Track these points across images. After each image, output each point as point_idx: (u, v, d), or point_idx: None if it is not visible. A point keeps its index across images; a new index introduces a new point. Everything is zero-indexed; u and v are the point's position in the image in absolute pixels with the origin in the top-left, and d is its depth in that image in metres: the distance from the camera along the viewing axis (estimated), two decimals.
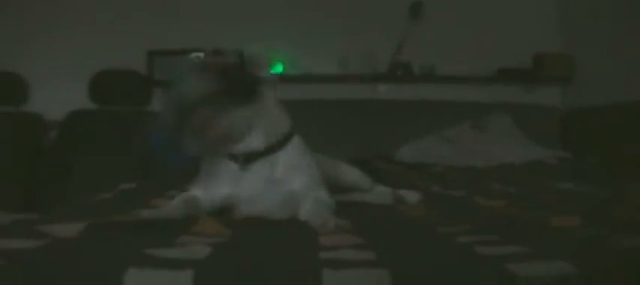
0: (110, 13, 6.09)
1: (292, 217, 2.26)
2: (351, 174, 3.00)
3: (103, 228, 1.92)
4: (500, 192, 3.12)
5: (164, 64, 6.14)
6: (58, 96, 5.42)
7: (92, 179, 2.09)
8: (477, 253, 1.59)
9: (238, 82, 2.29)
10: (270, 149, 2.33)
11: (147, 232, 1.90)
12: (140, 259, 1.50)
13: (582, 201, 2.76)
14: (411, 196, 2.89)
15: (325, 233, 1.89)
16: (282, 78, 5.90)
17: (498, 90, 6.07)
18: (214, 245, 1.67)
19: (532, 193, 3.00)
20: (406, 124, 5.55)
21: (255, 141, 2.30)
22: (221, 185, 2.33)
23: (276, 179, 2.31)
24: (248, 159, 2.30)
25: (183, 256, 1.55)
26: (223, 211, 2.29)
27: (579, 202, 2.70)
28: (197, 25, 5.98)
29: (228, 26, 5.88)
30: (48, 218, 2.13)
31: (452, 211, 2.41)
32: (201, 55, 2.41)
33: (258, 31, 5.87)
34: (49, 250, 1.61)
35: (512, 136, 5.32)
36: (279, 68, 5.98)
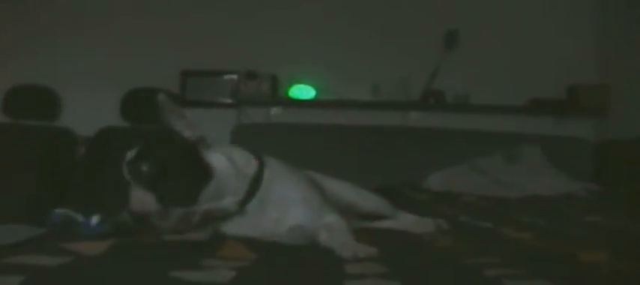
0: (145, 32, 6.13)
1: (309, 244, 2.23)
2: (372, 201, 2.98)
3: (128, 247, 1.92)
4: (530, 224, 3.09)
5: (197, 84, 6.18)
6: (89, 112, 5.45)
7: (120, 196, 2.08)
8: None
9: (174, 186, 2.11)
10: (243, 203, 2.24)
11: (172, 253, 1.89)
12: (165, 281, 1.49)
13: (611, 235, 2.74)
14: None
15: (354, 262, 1.87)
16: (314, 103, 5.96)
17: (531, 121, 6.04)
18: (239, 269, 1.66)
19: (561, 226, 2.98)
20: (437, 153, 5.55)
21: (222, 202, 2.22)
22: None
23: (272, 219, 2.26)
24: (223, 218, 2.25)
25: (207, 279, 1.53)
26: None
27: (608, 237, 2.68)
28: (231, 47, 6.02)
29: (262, 49, 5.92)
30: (74, 235, 2.13)
31: (480, 242, 2.38)
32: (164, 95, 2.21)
33: (291, 55, 5.90)
34: (73, 268, 1.61)
35: (543, 168, 5.29)
36: (311, 93, 6.00)
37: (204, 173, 2.14)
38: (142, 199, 2.05)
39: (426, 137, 5.80)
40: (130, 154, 2.15)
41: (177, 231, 2.11)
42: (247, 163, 2.30)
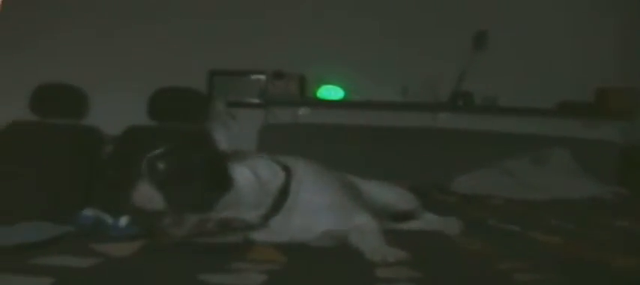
0: (174, 31, 6.15)
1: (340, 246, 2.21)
2: (407, 200, 2.96)
3: (157, 249, 1.92)
4: (558, 228, 3.06)
5: (225, 83, 6.17)
6: (116, 111, 5.46)
7: None
8: None
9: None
10: (266, 217, 2.22)
11: (201, 256, 1.89)
12: (193, 284, 1.49)
13: None
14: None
15: (384, 265, 1.86)
16: (342, 103, 5.94)
17: (559, 123, 6.00)
18: (269, 273, 1.66)
19: (590, 231, 2.95)
20: (465, 155, 5.52)
21: (247, 214, 2.19)
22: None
23: (299, 226, 2.23)
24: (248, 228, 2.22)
25: (236, 283, 1.53)
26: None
27: (637, 242, 2.66)
28: (259, 46, 6.01)
29: (290, 49, 5.91)
30: (102, 236, 2.13)
31: (509, 246, 2.36)
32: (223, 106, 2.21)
33: (319, 56, 5.89)
34: (102, 269, 1.61)
35: (571, 170, 5.25)
36: (339, 93, 5.99)
37: (221, 183, 2.12)
38: (147, 195, 2.05)
39: (454, 139, 5.78)
40: (155, 151, 2.13)
41: (202, 233, 2.10)
42: (273, 176, 2.26)
